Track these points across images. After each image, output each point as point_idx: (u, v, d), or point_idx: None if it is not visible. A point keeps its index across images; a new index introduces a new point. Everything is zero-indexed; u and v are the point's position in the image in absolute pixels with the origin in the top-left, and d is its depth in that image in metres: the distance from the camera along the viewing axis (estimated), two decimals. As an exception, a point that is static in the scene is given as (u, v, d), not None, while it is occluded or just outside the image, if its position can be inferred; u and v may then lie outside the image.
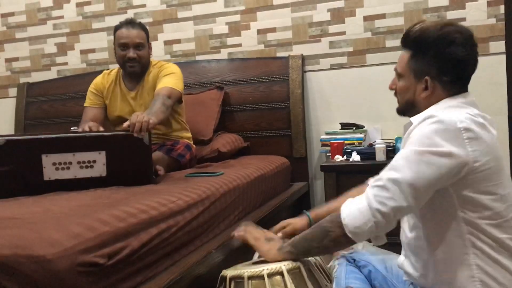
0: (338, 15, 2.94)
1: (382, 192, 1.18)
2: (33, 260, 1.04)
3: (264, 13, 3.09)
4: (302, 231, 1.57)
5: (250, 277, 1.33)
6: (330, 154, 2.74)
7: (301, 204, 2.90)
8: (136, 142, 1.83)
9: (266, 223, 2.11)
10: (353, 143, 2.78)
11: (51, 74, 3.61)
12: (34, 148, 1.76)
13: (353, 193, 1.66)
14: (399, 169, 1.19)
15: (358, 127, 2.83)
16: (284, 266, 1.32)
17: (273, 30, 3.08)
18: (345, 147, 2.69)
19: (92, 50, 3.50)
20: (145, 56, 2.44)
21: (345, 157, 2.64)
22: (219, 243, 1.66)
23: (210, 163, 2.56)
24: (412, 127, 1.26)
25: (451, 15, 2.74)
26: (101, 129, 2.20)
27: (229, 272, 1.38)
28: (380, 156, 2.52)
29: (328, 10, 2.96)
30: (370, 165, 2.51)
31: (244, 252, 1.61)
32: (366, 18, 2.90)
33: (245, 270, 1.35)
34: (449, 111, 1.23)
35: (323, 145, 2.86)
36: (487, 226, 1.20)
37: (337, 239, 1.24)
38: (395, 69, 1.40)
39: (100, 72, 3.33)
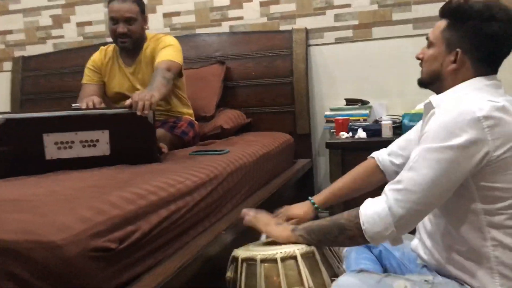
0: (344, -13, 2.85)
1: (404, 196, 1.14)
2: (42, 246, 1.00)
3: (267, -17, 2.99)
4: (306, 219, 1.54)
5: (263, 260, 1.31)
6: (334, 130, 2.69)
7: (305, 181, 2.87)
8: (140, 121, 1.76)
9: (273, 202, 2.09)
10: (358, 119, 2.73)
11: (47, 48, 3.51)
12: (35, 127, 1.70)
13: (357, 171, 1.62)
14: (419, 169, 1.13)
15: (363, 103, 2.77)
16: (298, 250, 1.29)
17: (276, 2, 2.99)
18: (351, 123, 2.64)
19: (89, 23, 3.39)
20: (137, 30, 2.32)
21: (350, 133, 2.59)
22: (227, 223, 1.63)
23: (213, 140, 2.51)
24: (430, 113, 1.20)
25: (461, -13, 2.65)
26: (103, 105, 2.14)
27: (241, 253, 1.35)
28: (386, 133, 2.47)
29: (334, -20, 2.87)
30: (377, 142, 2.46)
31: (254, 232, 1.58)
32: (373, -10, 2.81)
33: (257, 252, 1.32)
34: (470, 96, 1.17)
35: (327, 121, 2.81)
36: (506, 216, 1.16)
37: (354, 238, 1.22)
38: (427, 37, 1.33)
39: (97, 45, 3.25)
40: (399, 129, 2.52)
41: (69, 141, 1.73)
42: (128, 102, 1.79)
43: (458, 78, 1.25)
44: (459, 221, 1.21)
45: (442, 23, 1.27)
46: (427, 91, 1.36)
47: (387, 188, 1.19)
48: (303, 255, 1.29)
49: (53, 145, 1.72)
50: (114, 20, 2.27)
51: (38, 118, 1.71)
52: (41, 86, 3.43)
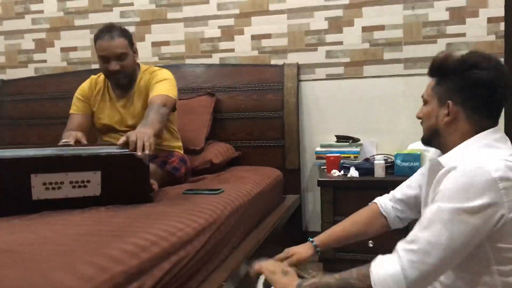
0: (336, 24, 2.87)
1: (418, 257, 1.09)
2: (42, 310, 0.91)
3: (259, 18, 2.98)
4: (308, 260, 1.50)
5: None
6: (325, 167, 2.66)
7: (294, 217, 2.82)
8: (135, 162, 1.68)
9: (267, 242, 2.03)
10: (349, 157, 2.72)
11: (28, 72, 3.40)
12: (23, 167, 1.60)
13: (359, 215, 1.58)
14: (434, 229, 1.10)
15: (354, 140, 2.76)
16: None
17: (268, 36, 2.98)
18: (342, 161, 2.62)
19: (74, 48, 3.31)
20: (129, 65, 2.24)
21: (342, 171, 2.57)
22: (227, 271, 1.56)
23: (203, 176, 2.44)
24: (442, 172, 1.17)
25: (451, 29, 2.71)
26: (84, 141, 2.04)
27: None
28: (379, 173, 2.46)
29: (326, 18, 2.88)
30: (369, 181, 2.45)
31: (251, 282, 1.51)
32: (364, 29, 2.83)
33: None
34: (481, 156, 1.16)
35: (318, 157, 2.79)
36: None
37: None
38: (422, 96, 1.34)
39: (82, 71, 3.19)
40: (391, 168, 2.52)
41: (58, 182, 1.64)
42: (122, 140, 1.71)
43: (454, 131, 1.24)
44: (473, 281, 1.18)
45: (432, 82, 1.30)
46: (418, 131, 1.36)
47: (400, 247, 1.15)
48: None
49: (41, 186, 1.63)
50: (104, 58, 2.18)
51: (26, 158, 1.61)
52: (20, 111, 3.31)
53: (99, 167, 1.67)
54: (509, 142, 1.24)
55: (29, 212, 1.59)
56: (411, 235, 1.14)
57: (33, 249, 1.17)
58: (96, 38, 2.20)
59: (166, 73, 2.32)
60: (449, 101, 1.23)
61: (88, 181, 1.67)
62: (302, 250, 1.51)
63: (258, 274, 1.38)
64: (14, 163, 1.59)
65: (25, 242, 1.23)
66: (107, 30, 2.18)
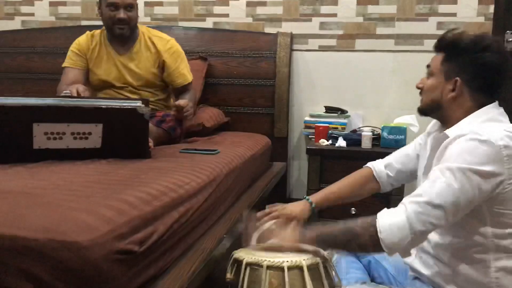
0: (331, -4, 2.90)
1: (424, 209, 1.16)
2: (66, 246, 0.95)
3: (255, -16, 2.98)
4: (302, 217, 1.57)
5: (269, 267, 1.30)
6: (313, 137, 2.73)
7: (279, 184, 2.89)
8: (136, 116, 1.70)
9: (258, 205, 2.09)
10: (337, 128, 2.79)
11: (14, 25, 3.31)
12: (25, 115, 1.60)
13: (353, 177, 1.66)
14: (440, 185, 1.17)
15: (342, 112, 2.83)
16: (304, 261, 1.28)
17: (263, 3, 2.99)
18: (330, 131, 2.70)
19: (63, 3, 3.24)
20: (135, 17, 2.31)
21: (330, 141, 2.64)
22: (225, 226, 1.62)
23: (196, 138, 2.48)
24: (447, 141, 1.25)
25: (443, 8, 2.78)
26: (87, 93, 2.06)
27: (245, 257, 1.33)
28: (366, 144, 2.55)
29: (322, -11, 2.90)
30: (356, 151, 2.54)
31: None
32: (359, 2, 2.87)
33: (263, 258, 1.31)
34: (486, 126, 1.23)
35: (306, 126, 2.85)
36: None
37: (365, 246, 1.23)
38: (428, 66, 1.39)
39: (70, 27, 3.14)
40: (377, 140, 2.61)
41: (60, 132, 1.65)
42: (181, 102, 2.03)
43: (457, 106, 1.31)
44: (467, 242, 1.27)
45: (439, 57, 1.34)
46: (404, 106, 1.42)
47: (406, 200, 1.22)
48: (309, 266, 1.30)
49: (42, 135, 1.64)
50: (114, 5, 2.21)
51: (29, 106, 1.61)
52: (5, 65, 3.23)
53: (100, 120, 1.69)
54: (507, 117, 1.32)
55: (29, 161, 1.60)
56: (418, 190, 1.21)
57: (47, 192, 1.20)
58: None
59: (176, 45, 2.44)
60: (457, 78, 1.29)
61: (90, 133, 1.69)
62: (298, 210, 1.55)
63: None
64: (17, 110, 1.58)
65: (37, 187, 1.26)
66: None
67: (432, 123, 1.47)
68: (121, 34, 2.27)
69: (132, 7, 2.26)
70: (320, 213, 2.27)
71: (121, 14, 2.22)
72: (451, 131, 1.27)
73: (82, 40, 2.37)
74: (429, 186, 1.19)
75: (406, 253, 1.26)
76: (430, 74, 1.37)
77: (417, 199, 1.18)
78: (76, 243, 0.96)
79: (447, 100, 1.32)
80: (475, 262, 1.25)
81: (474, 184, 1.16)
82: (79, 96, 1.95)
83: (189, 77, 2.49)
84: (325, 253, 1.36)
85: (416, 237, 1.18)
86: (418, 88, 1.42)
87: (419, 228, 1.16)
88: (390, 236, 1.18)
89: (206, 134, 2.61)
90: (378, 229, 1.18)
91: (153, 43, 2.33)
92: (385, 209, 1.24)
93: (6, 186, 1.25)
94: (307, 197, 1.60)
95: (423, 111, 1.42)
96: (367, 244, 1.22)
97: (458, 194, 1.16)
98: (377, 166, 1.64)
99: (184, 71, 2.46)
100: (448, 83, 1.31)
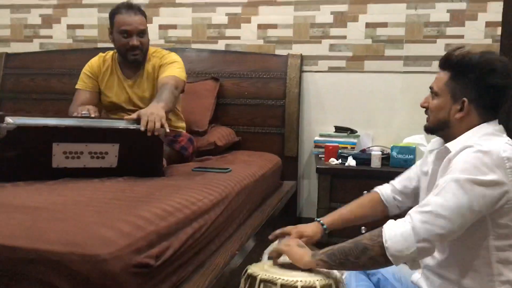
0: (341, 19, 2.97)
1: (429, 218, 1.19)
2: (87, 259, 1.00)
3: (266, 8, 3.06)
4: (314, 237, 1.59)
5: (283, 286, 1.31)
6: (323, 156, 2.77)
7: (289, 202, 2.92)
8: (151, 137, 1.76)
9: (268, 223, 2.12)
10: (346, 147, 2.83)
11: (33, 47, 3.42)
12: (46, 135, 1.67)
13: (362, 201, 1.69)
14: (446, 196, 1.20)
15: (352, 132, 2.87)
16: (318, 281, 1.30)
17: (274, 26, 3.06)
18: (340, 150, 2.73)
19: (81, 26, 3.35)
20: (147, 42, 2.34)
21: (339, 160, 2.68)
22: (237, 242, 1.65)
23: (208, 156, 2.53)
24: (451, 154, 1.28)
25: (451, 31, 2.83)
26: (97, 114, 2.12)
27: (260, 273, 1.34)
28: (375, 163, 2.57)
29: (332, 12, 2.97)
30: (365, 171, 2.57)
31: (259, 254, 1.61)
32: (368, 25, 2.94)
33: (277, 275, 1.33)
34: (487, 140, 1.27)
35: (316, 146, 2.89)
36: None
37: (376, 258, 1.24)
38: (431, 87, 1.42)
39: (87, 49, 3.23)
40: (386, 160, 2.63)
41: (78, 152, 1.72)
42: (135, 115, 1.79)
43: (465, 124, 1.34)
44: (470, 255, 1.29)
45: (445, 75, 1.37)
46: (413, 126, 1.45)
47: (412, 210, 1.25)
48: (322, 287, 1.31)
49: (61, 154, 1.70)
50: (126, 33, 2.24)
51: (49, 127, 1.68)
52: (23, 85, 3.33)
53: (117, 140, 1.75)
54: (505, 132, 1.36)
55: (48, 179, 1.65)
56: (424, 201, 1.24)
57: (67, 208, 1.25)
58: (115, 13, 2.27)
59: (175, 56, 2.39)
60: (465, 99, 1.32)
61: (106, 153, 1.74)
62: (311, 232, 1.58)
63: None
64: (38, 130, 1.65)
65: (57, 202, 1.31)
66: (128, 6, 2.26)
67: (433, 141, 1.50)
68: (135, 60, 2.31)
69: (144, 33, 2.29)
70: (330, 233, 2.29)
71: (134, 41, 2.25)
72: (452, 145, 1.30)
73: (94, 62, 2.43)
74: (435, 196, 1.22)
75: (413, 263, 1.28)
76: (435, 94, 1.40)
77: (422, 209, 1.22)
78: (96, 256, 1.00)
79: (455, 119, 1.35)
80: (480, 277, 1.27)
81: (479, 194, 1.18)
82: (96, 116, 2.01)
83: (176, 73, 2.25)
84: (337, 274, 1.39)
85: (422, 246, 1.20)
86: (422, 107, 1.46)
87: (424, 237, 1.19)
88: (395, 245, 1.20)
89: (218, 153, 2.66)
90: (384, 239, 1.21)
91: (156, 64, 2.36)
92: (391, 220, 1.27)
93: (27, 201, 1.30)
94: (318, 219, 1.63)
95: (430, 129, 1.45)
96: (377, 254, 1.23)
97: (463, 204, 1.19)
98: (384, 190, 1.67)
99: (170, 68, 2.27)
100: (455, 103, 1.34)
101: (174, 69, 2.29)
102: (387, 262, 1.24)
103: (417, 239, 1.19)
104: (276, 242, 1.52)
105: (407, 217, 1.24)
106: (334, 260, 1.32)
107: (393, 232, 1.22)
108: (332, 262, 1.32)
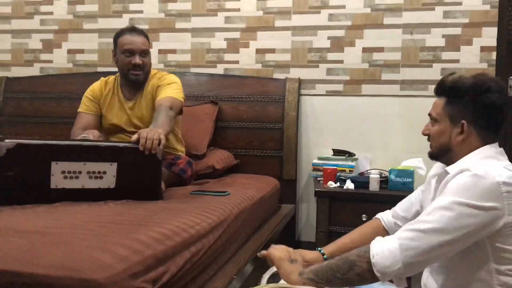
0: (337, 44, 3.01)
1: (417, 235, 1.20)
2: (84, 284, 0.99)
3: (264, 33, 3.11)
4: (312, 261, 1.58)
5: None
6: (321, 179, 2.77)
7: (287, 226, 2.91)
8: (149, 157, 1.78)
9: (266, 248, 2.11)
10: (345, 170, 2.83)
11: (33, 71, 3.46)
12: (45, 154, 1.68)
13: (364, 229, 1.68)
14: (435, 214, 1.21)
15: (350, 155, 2.88)
16: None
17: (272, 51, 3.11)
18: (338, 173, 2.74)
19: (81, 51, 3.39)
20: (149, 63, 2.40)
21: (338, 183, 2.68)
22: (235, 266, 1.64)
23: (206, 180, 2.53)
24: (449, 177, 1.29)
25: (446, 55, 2.87)
26: (101, 138, 2.14)
27: None
28: (374, 186, 2.57)
29: (329, 37, 3.02)
30: (363, 194, 2.56)
31: (257, 278, 1.60)
32: (364, 50, 2.98)
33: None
34: (485, 163, 1.27)
35: (314, 169, 2.90)
36: None
37: (363, 274, 1.24)
38: (430, 114, 1.44)
39: (87, 74, 3.27)
40: (385, 183, 2.64)
41: (77, 171, 1.73)
42: (134, 137, 1.81)
43: (466, 147, 1.35)
44: (472, 279, 1.28)
45: (441, 101, 1.39)
46: (410, 149, 1.45)
47: (401, 228, 1.26)
48: None
49: (59, 174, 1.71)
50: (129, 52, 2.30)
51: (48, 145, 1.69)
52: (23, 109, 3.35)
53: (115, 159, 1.76)
54: (505, 156, 1.37)
55: (46, 200, 1.66)
56: (415, 219, 1.25)
57: (64, 232, 1.25)
58: (120, 35, 2.34)
59: (173, 77, 2.44)
60: (463, 121, 1.33)
61: (105, 172, 1.75)
62: (309, 257, 1.54)
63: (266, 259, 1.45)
64: (37, 148, 1.67)
65: (54, 226, 1.31)
66: (131, 28, 2.35)
67: (436, 166, 1.51)
68: (137, 79, 2.36)
69: (147, 53, 2.36)
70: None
71: (137, 59, 2.31)
72: (451, 168, 1.31)
73: (96, 86, 2.46)
74: (426, 215, 1.23)
75: (399, 280, 1.26)
76: (434, 120, 1.42)
77: (411, 226, 1.22)
78: (93, 280, 0.99)
79: (456, 143, 1.36)
80: None
81: (471, 218, 1.18)
82: (95, 140, 2.02)
83: (173, 94, 2.28)
84: None
85: (408, 262, 1.19)
86: (424, 135, 1.47)
87: (410, 253, 1.18)
88: (382, 260, 1.20)
89: (216, 176, 2.66)
90: (371, 254, 1.21)
91: (155, 85, 2.39)
92: (379, 236, 1.27)
93: (24, 225, 1.30)
94: (319, 249, 1.61)
95: (434, 156, 1.45)
96: (364, 270, 1.23)
97: (453, 225, 1.18)
98: (385, 216, 1.66)
99: (167, 89, 2.31)
100: (455, 127, 1.36)
101: (171, 90, 2.32)
102: (373, 278, 1.24)
103: (403, 255, 1.19)
104: (274, 267, 1.51)
105: (396, 234, 1.25)
106: (321, 278, 1.30)
107: (380, 248, 1.22)
108: (319, 279, 1.31)
